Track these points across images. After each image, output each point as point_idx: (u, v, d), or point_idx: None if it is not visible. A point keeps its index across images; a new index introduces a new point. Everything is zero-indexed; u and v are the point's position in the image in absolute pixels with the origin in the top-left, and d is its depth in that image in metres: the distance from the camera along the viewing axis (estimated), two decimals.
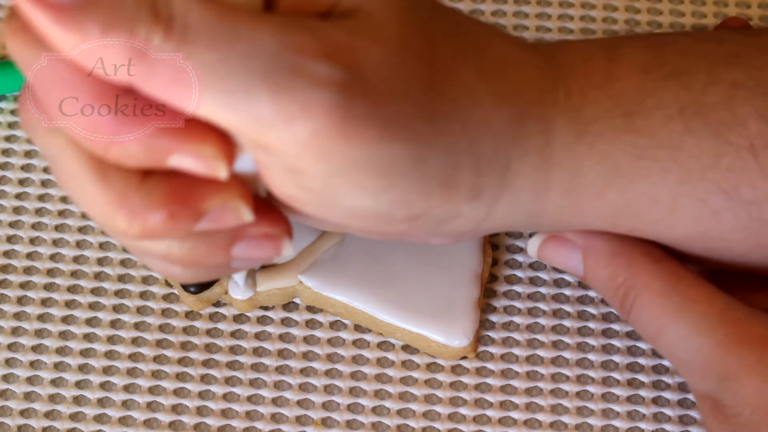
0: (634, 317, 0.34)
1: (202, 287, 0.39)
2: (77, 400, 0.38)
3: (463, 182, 0.30)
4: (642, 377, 0.39)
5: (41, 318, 0.40)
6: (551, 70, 0.32)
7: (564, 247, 0.35)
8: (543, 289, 0.40)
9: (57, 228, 0.41)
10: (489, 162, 0.30)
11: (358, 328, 0.39)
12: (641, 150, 0.31)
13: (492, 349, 0.39)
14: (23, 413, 0.38)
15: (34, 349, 0.39)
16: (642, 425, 0.38)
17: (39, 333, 0.39)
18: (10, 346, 0.39)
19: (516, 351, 0.39)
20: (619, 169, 0.32)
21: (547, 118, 0.31)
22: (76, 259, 0.41)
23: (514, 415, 0.38)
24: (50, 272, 0.41)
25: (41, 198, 0.42)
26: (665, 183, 0.32)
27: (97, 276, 0.40)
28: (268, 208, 0.31)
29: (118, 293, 0.40)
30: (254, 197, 0.30)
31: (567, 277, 0.40)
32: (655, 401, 0.38)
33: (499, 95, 0.30)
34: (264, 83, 0.26)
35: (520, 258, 0.41)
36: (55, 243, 0.41)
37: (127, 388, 0.38)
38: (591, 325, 0.40)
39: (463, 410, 0.38)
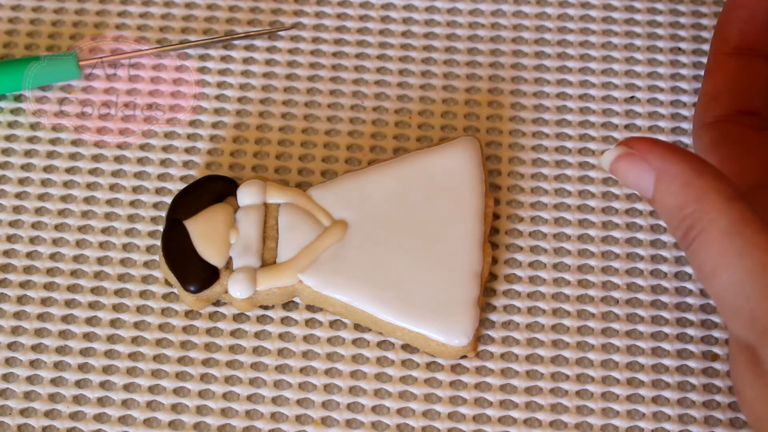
0: (693, 252, 0.33)
1: (201, 286, 0.39)
2: (77, 399, 0.38)
3: None
4: (641, 376, 0.39)
5: (41, 317, 0.40)
6: None
7: (638, 166, 0.34)
8: (543, 288, 0.40)
9: (57, 227, 0.41)
10: None
11: (357, 327, 0.39)
12: None
13: (492, 348, 0.39)
14: (23, 412, 0.38)
15: (34, 348, 0.39)
16: (642, 424, 0.38)
17: (39, 332, 0.39)
18: (10, 346, 0.39)
19: (516, 350, 0.39)
20: None
21: None
22: (76, 259, 0.41)
23: (514, 414, 0.38)
24: (50, 272, 0.41)
25: (41, 198, 0.42)
26: None
27: (97, 275, 0.40)
28: None
29: (118, 292, 0.40)
30: None
31: (567, 276, 0.40)
32: (655, 400, 0.38)
33: None
34: None
35: (519, 257, 0.41)
36: (55, 242, 0.41)
37: (126, 387, 0.38)
38: (591, 324, 0.39)
39: (462, 409, 0.38)
